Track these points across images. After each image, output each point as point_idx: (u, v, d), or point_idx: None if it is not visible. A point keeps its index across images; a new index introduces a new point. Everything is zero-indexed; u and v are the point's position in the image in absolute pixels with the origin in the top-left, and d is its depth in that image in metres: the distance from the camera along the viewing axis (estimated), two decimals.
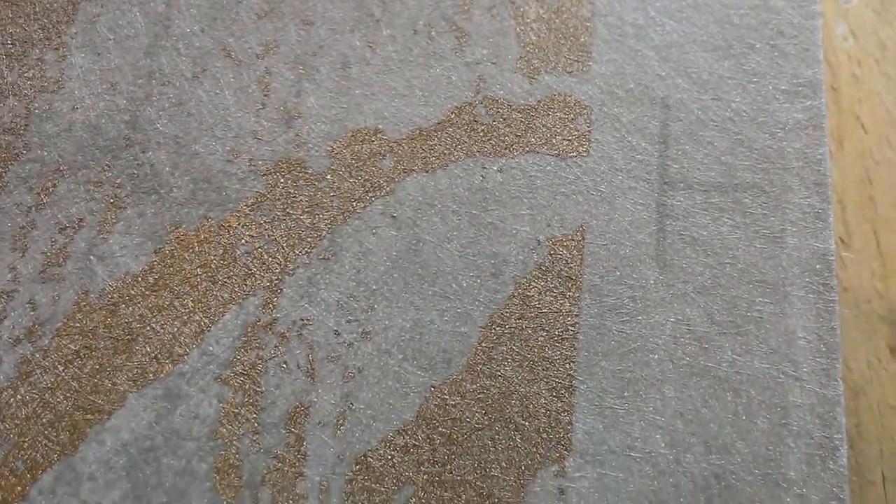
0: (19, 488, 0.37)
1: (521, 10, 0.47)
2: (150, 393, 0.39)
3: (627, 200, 0.43)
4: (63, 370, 0.38)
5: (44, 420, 0.38)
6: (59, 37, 0.45)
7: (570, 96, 0.45)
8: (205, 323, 0.40)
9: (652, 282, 0.41)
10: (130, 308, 0.40)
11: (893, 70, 0.48)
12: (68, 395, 0.38)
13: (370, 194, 0.43)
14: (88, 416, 0.38)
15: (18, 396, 0.38)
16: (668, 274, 0.41)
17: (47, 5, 0.46)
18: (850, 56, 0.49)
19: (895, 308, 0.43)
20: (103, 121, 0.43)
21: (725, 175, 0.43)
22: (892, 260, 0.44)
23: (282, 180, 0.43)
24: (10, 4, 0.45)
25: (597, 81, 0.46)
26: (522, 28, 0.47)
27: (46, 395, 0.38)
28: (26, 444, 0.38)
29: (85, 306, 0.40)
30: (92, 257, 0.41)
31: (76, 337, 0.39)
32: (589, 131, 0.45)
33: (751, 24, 0.47)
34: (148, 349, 0.39)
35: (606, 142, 0.44)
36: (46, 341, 0.39)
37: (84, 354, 0.39)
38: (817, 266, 0.41)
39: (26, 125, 0.43)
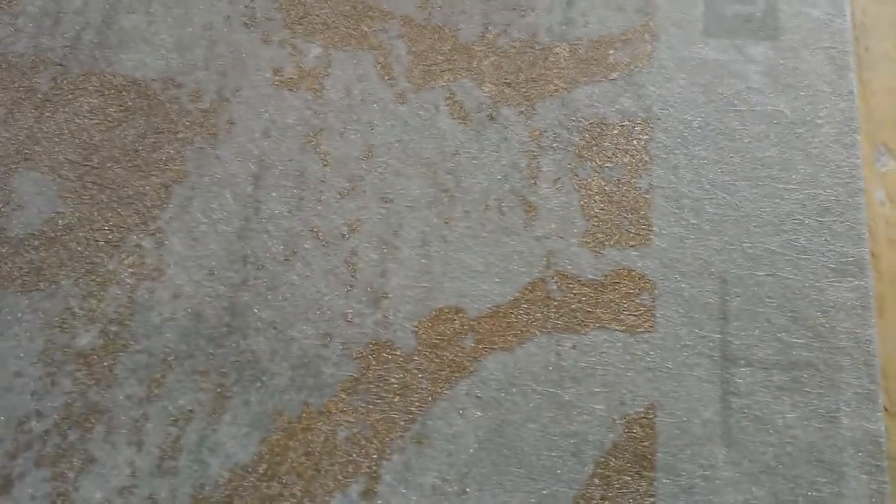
0: None
1: (585, 182, 0.51)
2: None
3: (694, 377, 0.46)
4: None
5: None
6: (155, 221, 0.48)
7: (633, 270, 0.49)
8: None
9: (721, 460, 0.45)
10: (244, 500, 0.43)
11: None
12: None
13: (455, 374, 0.46)
14: None
15: None
16: (735, 453, 0.45)
17: (140, 189, 0.48)
18: (889, 221, 0.53)
19: None
20: (204, 308, 0.46)
21: (783, 353, 0.47)
22: None
23: (374, 363, 0.46)
24: (102, 188, 0.48)
25: (658, 255, 0.49)
26: (586, 201, 0.50)
27: None
28: None
29: (201, 499, 0.42)
30: (204, 449, 0.43)
31: None
32: (654, 306, 0.48)
33: (799, 198, 0.50)
34: None
35: (671, 317, 0.48)
36: None
37: None
38: (869, 447, 0.45)
39: (131, 315, 0.45)
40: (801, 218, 0.50)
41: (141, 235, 0.47)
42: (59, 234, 0.47)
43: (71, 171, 0.48)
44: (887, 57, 0.57)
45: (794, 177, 0.51)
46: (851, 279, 0.48)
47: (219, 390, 0.44)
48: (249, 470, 0.43)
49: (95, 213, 0.47)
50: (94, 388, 0.43)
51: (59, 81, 0.51)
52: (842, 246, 0.49)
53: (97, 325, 0.45)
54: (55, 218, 0.47)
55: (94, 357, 0.44)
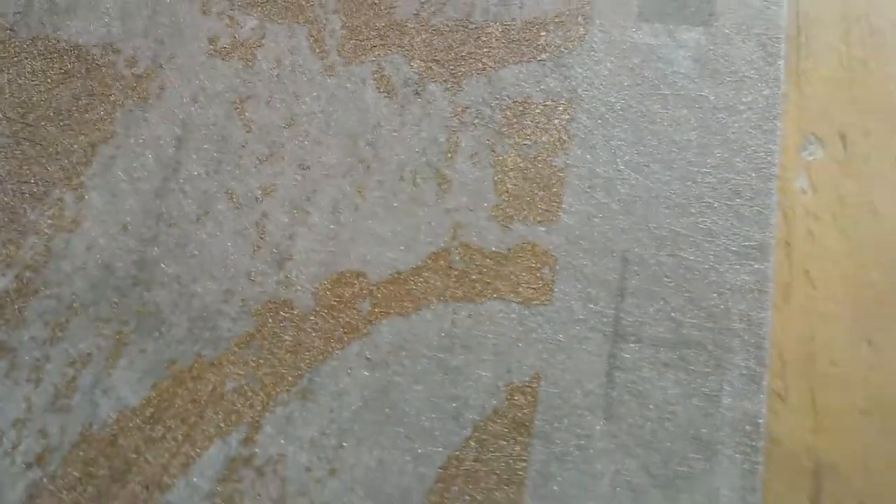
0: None
1: (501, 158, 0.52)
2: None
3: (583, 351, 0.47)
4: (66, 495, 0.44)
5: None
6: (78, 177, 0.50)
7: (538, 245, 0.49)
8: (192, 455, 0.45)
9: (598, 431, 0.46)
10: (128, 439, 0.45)
11: (850, 226, 0.52)
12: None
13: (348, 335, 0.48)
14: None
15: None
16: (613, 425, 0.46)
17: (68, 146, 0.51)
18: (808, 210, 0.52)
19: (820, 461, 0.47)
20: (115, 260, 0.48)
21: (674, 331, 0.47)
22: (825, 416, 0.48)
23: (270, 321, 0.48)
24: (33, 144, 0.51)
25: (564, 232, 0.50)
26: (500, 176, 0.51)
27: None
28: None
29: (88, 436, 0.45)
30: (97, 390, 0.46)
31: (79, 465, 0.44)
32: (553, 280, 0.49)
33: (711, 182, 0.50)
34: (140, 478, 0.44)
35: (568, 292, 0.48)
36: (53, 468, 0.44)
37: (85, 481, 0.44)
38: (747, 428, 0.45)
39: (46, 262, 0.48)
40: (711, 201, 0.50)
41: (64, 190, 0.50)
42: None
43: (7, 127, 0.52)
44: (828, 48, 0.57)
45: (709, 161, 0.51)
46: (752, 263, 0.49)
47: (118, 337, 0.47)
48: (137, 412, 0.46)
49: (24, 168, 0.50)
50: (3, 328, 0.46)
51: (6, 45, 0.54)
52: (747, 230, 0.49)
53: (13, 270, 0.48)
54: None
55: (7, 300, 0.47)
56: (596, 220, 0.50)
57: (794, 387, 0.48)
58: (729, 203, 0.50)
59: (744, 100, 0.52)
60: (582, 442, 0.46)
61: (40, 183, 0.50)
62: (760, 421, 0.45)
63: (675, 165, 0.51)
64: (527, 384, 0.47)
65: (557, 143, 0.52)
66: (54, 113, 0.52)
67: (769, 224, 0.49)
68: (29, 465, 0.44)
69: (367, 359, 0.47)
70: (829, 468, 0.47)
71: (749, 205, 0.50)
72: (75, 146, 0.51)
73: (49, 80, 0.53)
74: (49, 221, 0.49)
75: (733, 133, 0.51)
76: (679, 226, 0.50)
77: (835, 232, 0.51)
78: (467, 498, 0.45)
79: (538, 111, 0.53)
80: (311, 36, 0.54)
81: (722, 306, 0.48)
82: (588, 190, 0.51)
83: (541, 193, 0.51)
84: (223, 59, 0.54)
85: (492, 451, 0.46)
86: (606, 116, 0.53)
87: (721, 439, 0.45)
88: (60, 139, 0.52)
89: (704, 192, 0.50)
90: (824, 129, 0.54)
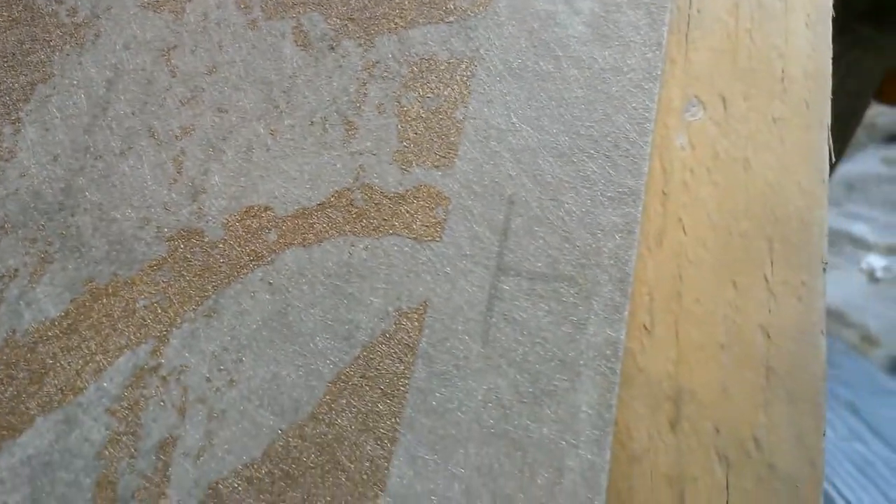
0: None
1: (405, 108, 0.56)
2: (53, 417, 0.49)
3: (466, 282, 0.52)
4: None
5: None
6: (17, 112, 0.55)
7: (433, 188, 0.54)
8: (103, 363, 0.50)
9: (474, 354, 0.50)
10: (46, 346, 0.50)
11: (721, 178, 0.57)
12: None
13: (253, 262, 0.52)
14: (3, 433, 0.48)
15: None
16: (488, 348, 0.50)
17: (10, 85, 0.56)
18: (685, 164, 0.57)
19: (681, 388, 0.52)
20: (44, 187, 0.53)
21: (550, 267, 0.52)
22: (686, 347, 0.52)
23: (181, 246, 0.52)
24: None
25: (458, 176, 0.54)
26: (404, 125, 0.56)
27: None
28: None
29: (11, 342, 0.50)
30: (21, 302, 0.50)
31: (1, 367, 0.49)
32: (445, 220, 0.53)
33: (594, 135, 0.55)
34: (56, 381, 0.49)
35: (458, 230, 0.53)
36: None
37: (6, 382, 0.49)
38: (608, 352, 0.50)
39: None
40: (592, 152, 0.55)
41: (3, 124, 0.55)
42: None
43: None
44: (717, 19, 0.62)
45: (593, 116, 0.56)
46: (624, 207, 0.53)
47: (43, 256, 0.52)
48: (56, 323, 0.50)
49: None
50: None
51: None
52: (622, 178, 0.54)
53: None
54: None
55: None
56: (487, 166, 0.55)
57: (660, 321, 0.53)
58: (607, 154, 0.55)
59: (628, 62, 0.57)
60: (460, 363, 0.50)
61: None
62: (619, 346, 0.50)
63: (562, 119, 0.56)
64: (414, 310, 0.51)
65: (458, 97, 0.57)
66: (0, 56, 0.57)
67: (642, 173, 0.54)
68: None
69: (269, 283, 0.52)
70: (689, 394, 0.51)
71: (625, 156, 0.54)
72: (16, 85, 0.56)
73: None
74: None
75: (616, 91, 0.56)
76: (562, 173, 0.54)
77: (709, 185, 0.56)
78: (354, 408, 0.49)
79: (443, 68, 0.58)
80: None
81: (594, 245, 0.52)
82: (483, 140, 0.56)
83: (439, 142, 0.56)
84: (155, 11, 0.59)
85: (377, 369, 0.50)
86: (504, 74, 0.57)
87: (584, 362, 0.50)
88: (4, 79, 0.56)
89: (587, 144, 0.55)
90: (707, 92, 0.59)
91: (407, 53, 0.58)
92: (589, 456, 0.48)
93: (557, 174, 0.54)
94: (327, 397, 0.50)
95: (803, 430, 0.51)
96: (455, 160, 0.55)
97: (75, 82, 0.56)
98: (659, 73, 0.56)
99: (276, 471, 0.48)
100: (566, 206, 0.54)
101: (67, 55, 0.58)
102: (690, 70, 0.60)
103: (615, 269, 0.52)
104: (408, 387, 0.50)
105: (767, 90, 0.59)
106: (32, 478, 0.48)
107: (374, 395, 0.50)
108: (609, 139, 0.55)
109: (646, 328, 0.53)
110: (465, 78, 0.57)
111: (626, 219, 0.53)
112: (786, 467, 0.50)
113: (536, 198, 0.54)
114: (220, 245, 0.53)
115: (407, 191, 0.55)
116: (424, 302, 0.52)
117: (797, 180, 0.57)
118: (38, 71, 0.57)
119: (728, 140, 0.58)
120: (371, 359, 0.51)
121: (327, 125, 0.56)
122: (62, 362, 0.50)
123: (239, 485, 0.48)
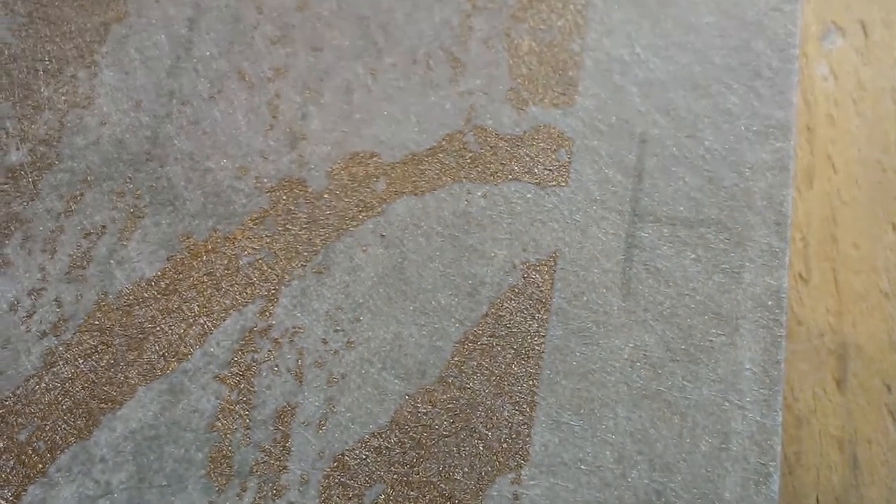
0: (40, 465, 0.42)
1: (516, 42, 0.51)
2: (156, 387, 0.44)
3: (599, 230, 0.47)
4: (82, 363, 0.44)
5: (63, 407, 0.43)
6: (92, 55, 0.50)
7: (554, 128, 0.49)
8: (208, 326, 0.45)
9: (615, 308, 0.45)
10: (143, 309, 0.45)
11: (869, 110, 0.51)
12: (86, 385, 0.43)
13: (363, 214, 0.47)
14: (102, 405, 0.43)
15: (43, 384, 0.43)
16: (630, 302, 0.45)
17: (82, 25, 0.50)
18: (829, 96, 0.52)
19: (845, 342, 0.46)
20: (128, 136, 0.48)
21: (692, 210, 0.47)
22: (846, 297, 0.47)
23: (284, 197, 0.47)
24: (48, 24, 0.50)
25: (580, 115, 0.49)
26: (515, 60, 0.51)
27: (67, 384, 0.43)
28: (48, 428, 0.43)
29: (104, 306, 0.45)
30: (112, 262, 0.45)
31: (95, 333, 0.44)
32: (569, 162, 0.48)
33: (731, 64, 0.50)
34: (156, 347, 0.44)
35: (585, 173, 0.48)
36: (69, 336, 0.44)
37: (101, 349, 0.44)
38: (769, 303, 0.45)
39: (59, 137, 0.48)
40: (730, 82, 0.50)
41: (77, 67, 0.50)
42: (3, 62, 0.49)
43: (22, 7, 0.51)
44: None
45: (728, 43, 0.51)
46: (773, 142, 0.48)
47: (132, 210, 0.46)
48: (152, 283, 0.45)
49: (39, 46, 0.50)
50: (18, 200, 0.46)
51: None
52: (768, 110, 0.49)
53: (27, 145, 0.47)
54: (2, 49, 0.49)
55: (22, 172, 0.47)
56: (612, 103, 0.50)
57: (817, 268, 0.48)
58: (749, 84, 0.49)
59: None
60: (600, 318, 0.45)
61: (54, 61, 0.49)
62: (783, 295, 0.45)
63: (693, 48, 0.50)
64: (543, 262, 0.46)
65: (573, 28, 0.52)
66: None
67: (790, 103, 0.48)
68: (44, 334, 0.44)
69: (382, 236, 0.47)
70: (855, 349, 0.46)
71: (769, 85, 0.49)
72: (89, 25, 0.51)
73: None
74: (63, 98, 0.49)
75: (752, 16, 0.51)
76: (698, 107, 0.49)
77: (855, 117, 0.51)
78: (486, 370, 0.44)
79: None
80: None
81: (742, 185, 0.47)
82: (605, 73, 0.50)
83: (556, 77, 0.51)
84: None
85: (508, 327, 0.45)
86: (623, 1, 0.52)
87: (743, 314, 0.45)
88: (74, 19, 0.51)
89: (724, 74, 0.50)
90: (845, 18, 0.53)
91: None
92: (758, 418, 0.43)
93: (693, 108, 0.49)
94: (456, 359, 0.45)
95: None
96: (575, 97, 0.50)
97: (153, 21, 0.51)
98: None
99: (406, 439, 0.43)
100: (706, 143, 0.48)
101: None
102: None
103: (769, 210, 0.47)
104: (543, 346, 0.45)
105: None
106: (137, 454, 0.43)
107: (508, 356, 0.45)
108: (749, 68, 0.50)
109: (802, 277, 0.48)
110: (579, 6, 0.52)
111: (778, 154, 0.48)
112: None
113: (671, 135, 0.49)
114: (326, 195, 0.48)
115: (525, 132, 0.49)
116: (554, 253, 0.46)
117: None
118: (112, 10, 0.51)
119: (872, 69, 0.52)
120: (500, 316, 0.45)
121: (431, 63, 0.51)
122: (162, 326, 0.45)
123: (367, 455, 0.43)
